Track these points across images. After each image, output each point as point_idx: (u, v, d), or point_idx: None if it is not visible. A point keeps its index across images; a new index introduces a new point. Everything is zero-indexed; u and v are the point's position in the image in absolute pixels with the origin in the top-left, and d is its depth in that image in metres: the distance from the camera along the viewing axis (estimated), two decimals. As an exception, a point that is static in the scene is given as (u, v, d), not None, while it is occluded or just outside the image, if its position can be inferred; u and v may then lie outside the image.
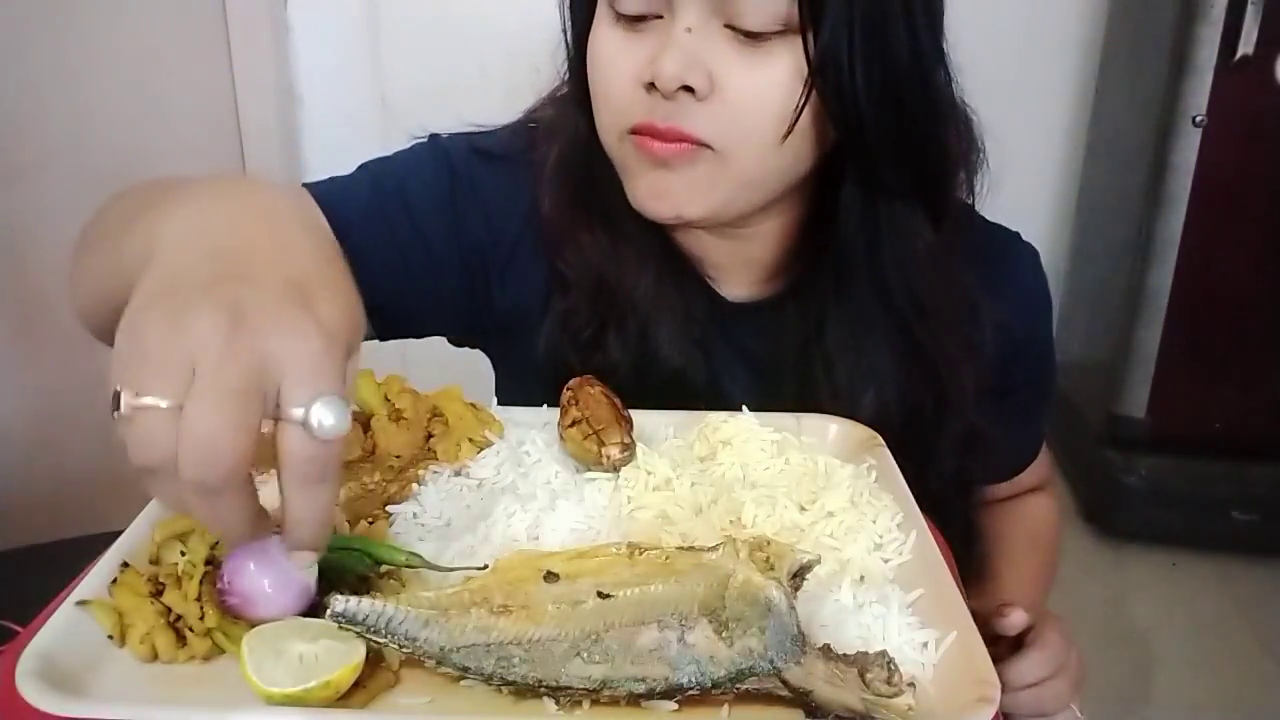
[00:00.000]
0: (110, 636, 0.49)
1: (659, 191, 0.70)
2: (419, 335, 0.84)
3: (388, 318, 0.78)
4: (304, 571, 0.50)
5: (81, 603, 0.50)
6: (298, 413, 0.41)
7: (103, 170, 1.74)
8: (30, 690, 0.44)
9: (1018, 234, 0.86)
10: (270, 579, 0.49)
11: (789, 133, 0.66)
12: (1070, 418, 2.18)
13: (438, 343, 0.90)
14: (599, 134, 0.72)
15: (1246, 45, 1.77)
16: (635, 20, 0.67)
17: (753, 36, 0.64)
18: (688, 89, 0.65)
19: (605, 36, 0.68)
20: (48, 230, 1.69)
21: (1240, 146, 1.86)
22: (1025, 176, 2.22)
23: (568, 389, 0.68)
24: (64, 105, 1.66)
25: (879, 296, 0.75)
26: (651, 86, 0.65)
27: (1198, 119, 1.83)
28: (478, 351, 0.91)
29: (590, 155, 0.75)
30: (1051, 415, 0.94)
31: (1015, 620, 0.70)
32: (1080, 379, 2.19)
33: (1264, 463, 2.02)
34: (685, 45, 0.64)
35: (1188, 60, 1.82)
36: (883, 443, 0.69)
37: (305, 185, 0.77)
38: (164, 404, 0.39)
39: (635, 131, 0.68)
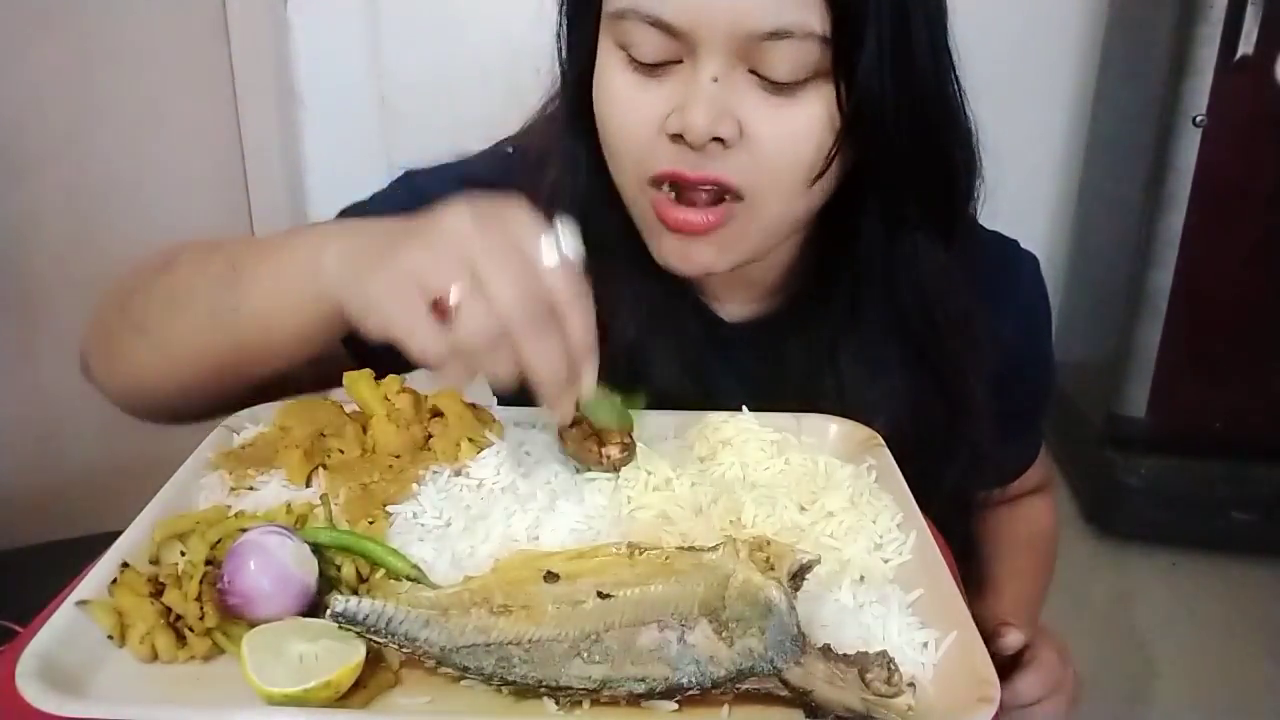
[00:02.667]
0: (110, 637, 0.49)
1: (687, 255, 0.68)
2: (404, 371, 0.82)
3: (365, 358, 0.75)
4: (304, 571, 0.51)
5: (81, 602, 0.50)
6: (548, 245, 0.52)
7: (103, 170, 1.74)
8: (30, 690, 0.44)
9: (1016, 242, 0.85)
10: (270, 578, 0.49)
11: (819, 177, 0.65)
12: (1070, 418, 2.18)
13: (438, 343, 0.90)
14: (615, 178, 0.71)
15: (1246, 45, 1.77)
16: (653, 67, 0.64)
17: (780, 83, 0.62)
18: (717, 139, 0.63)
19: (619, 82, 0.66)
20: (48, 230, 1.69)
21: (1240, 146, 1.85)
22: (1025, 177, 2.22)
23: (568, 389, 0.67)
24: (64, 105, 1.66)
25: (894, 320, 0.75)
26: (677, 137, 0.63)
27: (1198, 119, 1.83)
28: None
29: (587, 191, 0.73)
30: (1051, 415, 0.94)
31: (1012, 641, 0.69)
32: (1080, 379, 2.19)
33: (1264, 463, 2.02)
34: (713, 96, 0.62)
35: (1188, 60, 1.82)
36: (883, 442, 0.69)
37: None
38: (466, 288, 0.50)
39: (660, 179, 0.66)
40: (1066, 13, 2.19)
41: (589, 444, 0.62)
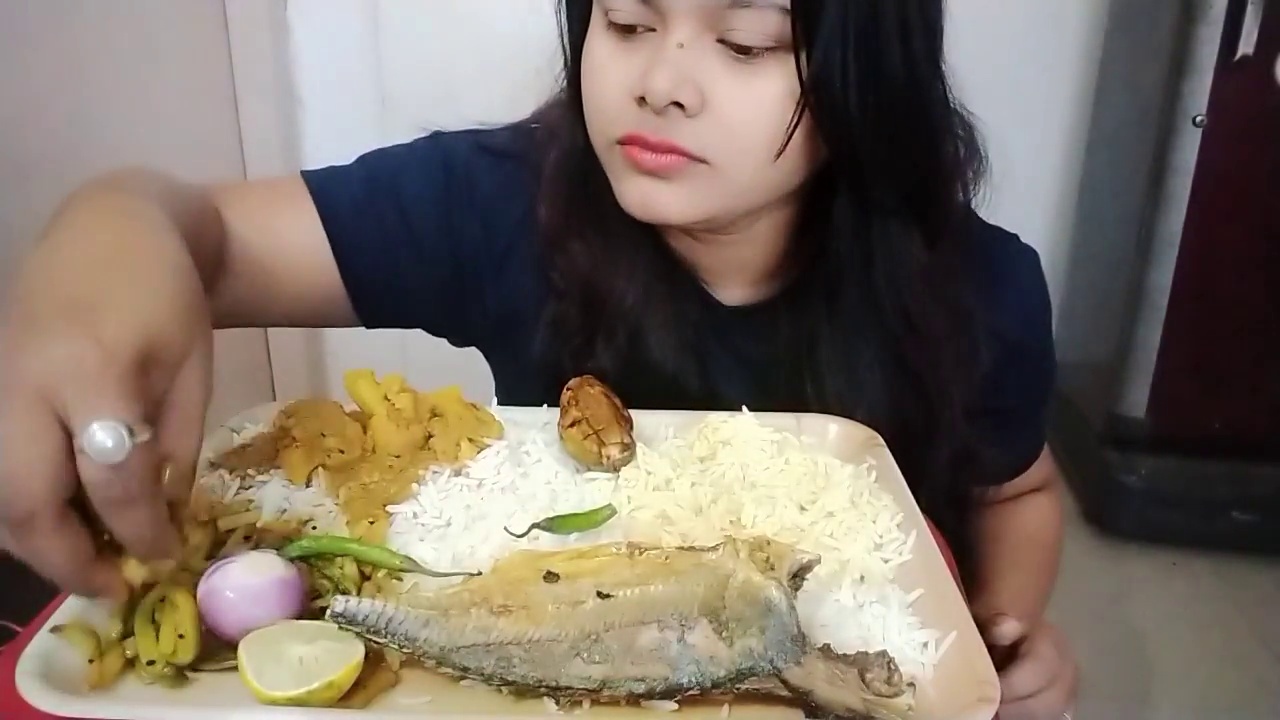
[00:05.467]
0: (91, 661, 0.47)
1: (648, 198, 0.69)
2: (405, 326, 0.85)
3: (372, 308, 0.81)
4: (263, 580, 0.50)
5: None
6: (79, 440, 0.40)
7: (102, 171, 1.74)
8: (30, 690, 0.44)
9: (1016, 236, 0.85)
10: (241, 608, 0.49)
11: (781, 151, 0.66)
12: (1070, 418, 2.18)
13: (438, 342, 0.90)
14: (592, 141, 0.72)
15: (1246, 45, 1.77)
16: (628, 31, 0.66)
17: (745, 52, 0.63)
18: (678, 105, 0.64)
19: (599, 45, 0.68)
20: (47, 230, 1.69)
21: (1240, 146, 1.85)
22: (1025, 177, 2.21)
23: (568, 389, 0.68)
24: (64, 105, 1.66)
25: (871, 314, 0.75)
26: (643, 100, 0.65)
27: (1198, 119, 1.83)
28: (478, 351, 0.91)
29: (585, 163, 0.74)
30: (1051, 415, 0.94)
31: (1008, 630, 0.70)
32: (1080, 379, 2.18)
33: (1264, 463, 2.02)
34: (676, 61, 0.64)
35: (1188, 60, 1.82)
36: (883, 442, 0.69)
37: (303, 173, 0.79)
38: None
39: (625, 141, 0.67)
40: (1067, 13, 2.19)
41: (589, 444, 0.62)
